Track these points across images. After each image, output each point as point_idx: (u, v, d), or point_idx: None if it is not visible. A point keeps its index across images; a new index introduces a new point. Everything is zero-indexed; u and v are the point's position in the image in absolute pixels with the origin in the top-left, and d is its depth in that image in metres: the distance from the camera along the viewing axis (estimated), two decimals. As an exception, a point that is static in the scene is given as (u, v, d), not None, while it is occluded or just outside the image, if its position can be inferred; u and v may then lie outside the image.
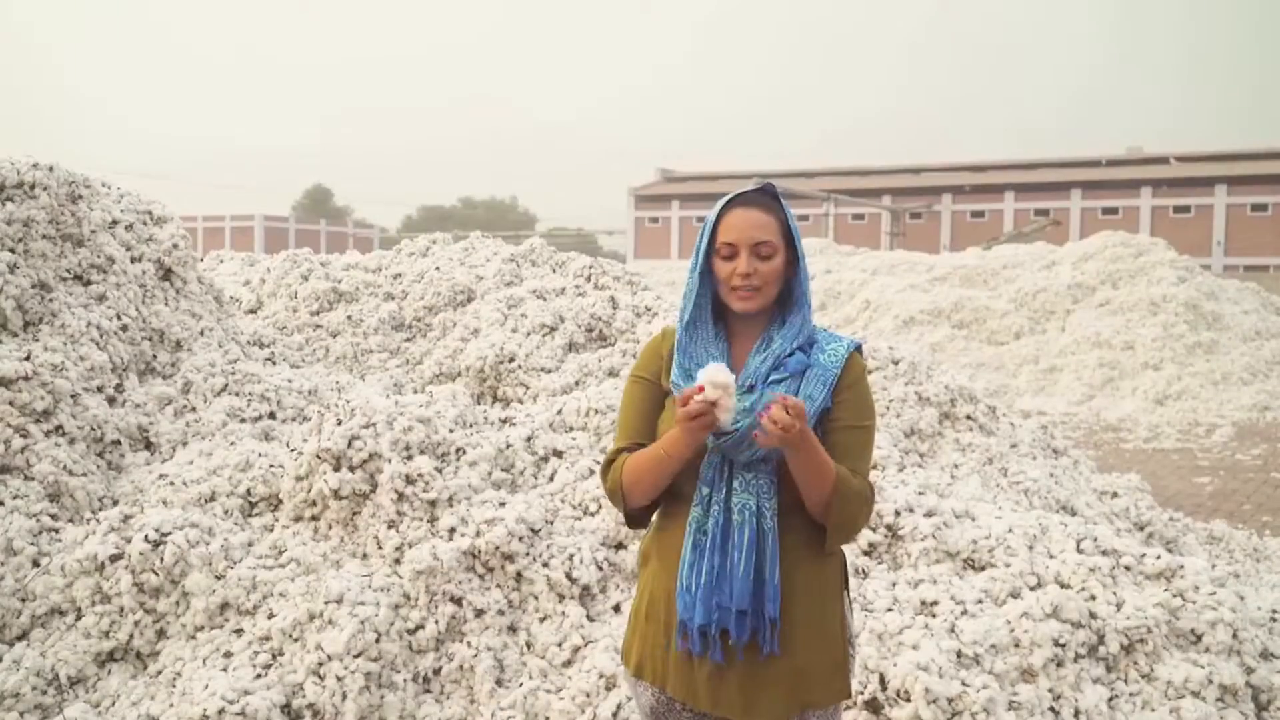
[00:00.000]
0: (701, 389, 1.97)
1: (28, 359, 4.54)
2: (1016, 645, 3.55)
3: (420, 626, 3.73)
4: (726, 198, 2.25)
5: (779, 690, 2.15)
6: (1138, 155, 67.43)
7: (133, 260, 5.60)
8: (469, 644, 3.70)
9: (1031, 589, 3.82)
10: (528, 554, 3.93)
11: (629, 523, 2.30)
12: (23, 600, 3.87)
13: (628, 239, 73.45)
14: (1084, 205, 61.35)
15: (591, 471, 4.40)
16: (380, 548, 4.00)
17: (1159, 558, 4.01)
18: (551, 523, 4.11)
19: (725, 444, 2.12)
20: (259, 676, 3.51)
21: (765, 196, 2.24)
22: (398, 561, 3.92)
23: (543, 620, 3.83)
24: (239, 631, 3.76)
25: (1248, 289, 21.07)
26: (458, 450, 4.34)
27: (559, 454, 4.58)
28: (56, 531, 4.14)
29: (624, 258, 65.45)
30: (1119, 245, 19.92)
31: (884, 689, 3.36)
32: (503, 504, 4.10)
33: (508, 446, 4.49)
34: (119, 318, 5.18)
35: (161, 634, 3.84)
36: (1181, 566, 3.97)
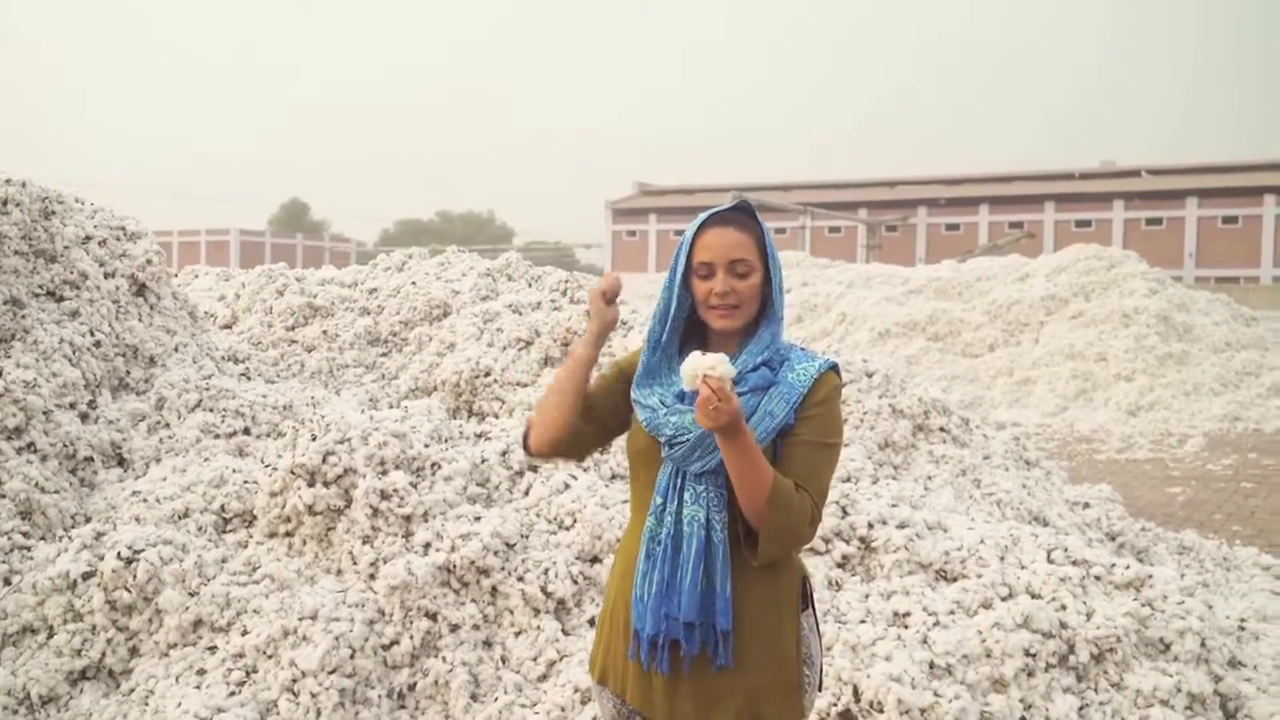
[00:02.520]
0: (705, 380, 1.95)
1: (0, 376, 4.52)
2: (988, 655, 3.57)
3: (395, 642, 3.72)
4: (702, 216, 2.22)
5: (730, 703, 2.14)
6: (1110, 169, 68.06)
7: (106, 276, 5.57)
8: (444, 659, 3.70)
9: (1003, 599, 3.85)
10: (503, 568, 3.93)
11: (526, 453, 2.37)
12: (-6, 619, 3.84)
13: (605, 252, 73.54)
14: (1057, 218, 61.87)
15: (567, 485, 4.41)
16: (355, 563, 3.99)
17: (1129, 568, 4.05)
18: (527, 537, 4.11)
19: (676, 453, 2.12)
20: (233, 694, 3.50)
21: (741, 214, 2.22)
22: (372, 577, 3.92)
23: (518, 634, 3.83)
24: (212, 649, 3.74)
25: (1218, 300, 21.28)
26: (433, 465, 4.34)
27: (534, 468, 4.58)
28: (28, 549, 4.11)
29: (601, 271, 65.48)
30: (1092, 258, 20.07)
31: (857, 700, 3.38)
32: (478, 518, 4.10)
33: (483, 461, 4.49)
34: (92, 334, 5.16)
35: (134, 652, 3.81)
36: (1151, 576, 4.01)
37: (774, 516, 2.03)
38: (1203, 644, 3.71)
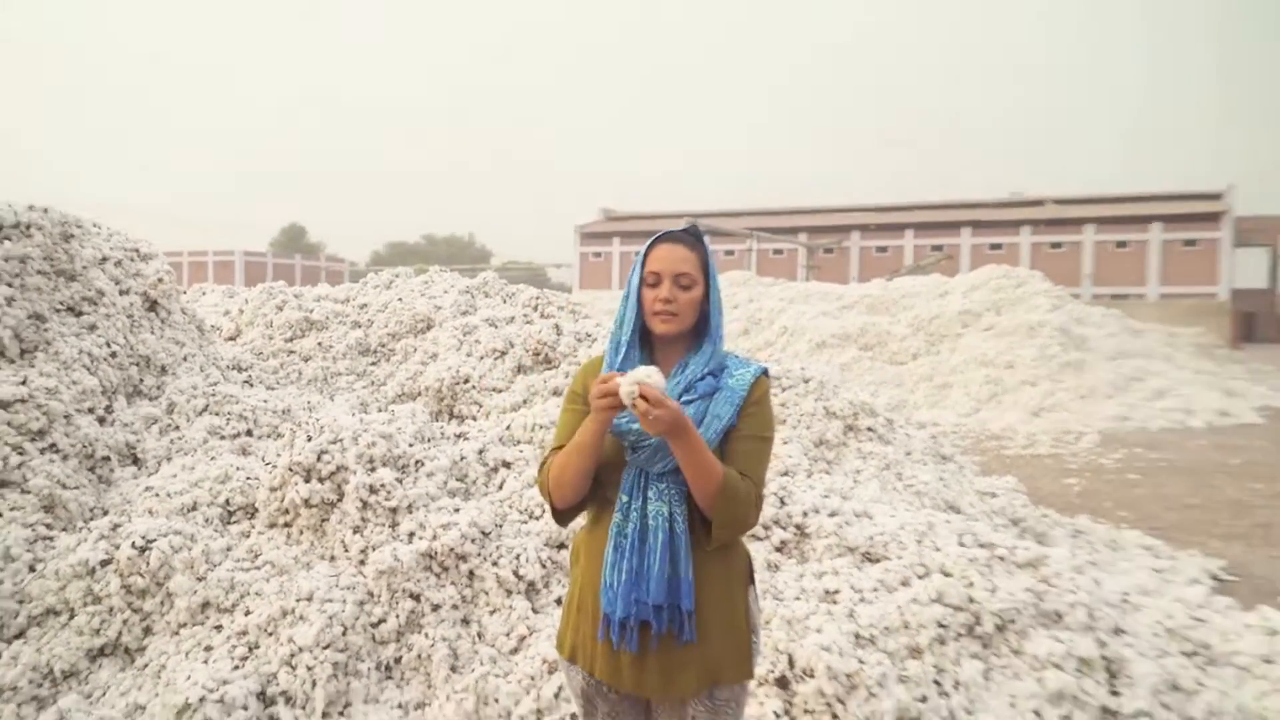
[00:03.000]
0: (615, 384, 2.00)
1: (24, 383, 4.48)
2: (906, 627, 3.62)
3: (383, 620, 3.73)
4: (657, 235, 2.29)
5: (692, 671, 2.18)
6: (1019, 198, 68.88)
7: (121, 293, 5.54)
8: (426, 635, 3.70)
9: (919, 578, 3.90)
10: (479, 554, 3.95)
11: (556, 519, 2.29)
12: (20, 602, 3.81)
13: (573, 272, 73.41)
14: (973, 242, 62.51)
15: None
16: (347, 550, 4.00)
17: (1027, 549, 4.11)
18: (501, 526, 4.13)
19: (640, 457, 2.16)
20: (236, 667, 3.49)
21: (689, 236, 2.28)
22: (362, 563, 3.92)
23: (492, 613, 3.84)
24: (218, 627, 3.73)
25: (1111, 315, 21.67)
26: (417, 462, 4.35)
27: (508, 465, 4.60)
28: (51, 539, 4.08)
29: (570, 289, 65.40)
30: (1002, 277, 20.34)
31: (792, 667, 3.42)
32: (457, 510, 4.12)
33: (461, 459, 4.50)
34: (108, 345, 5.12)
35: (148, 631, 3.79)
36: (1047, 556, 4.06)
37: (725, 505, 2.08)
38: (1090, 615, 3.76)
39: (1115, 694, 3.53)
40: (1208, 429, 14.64)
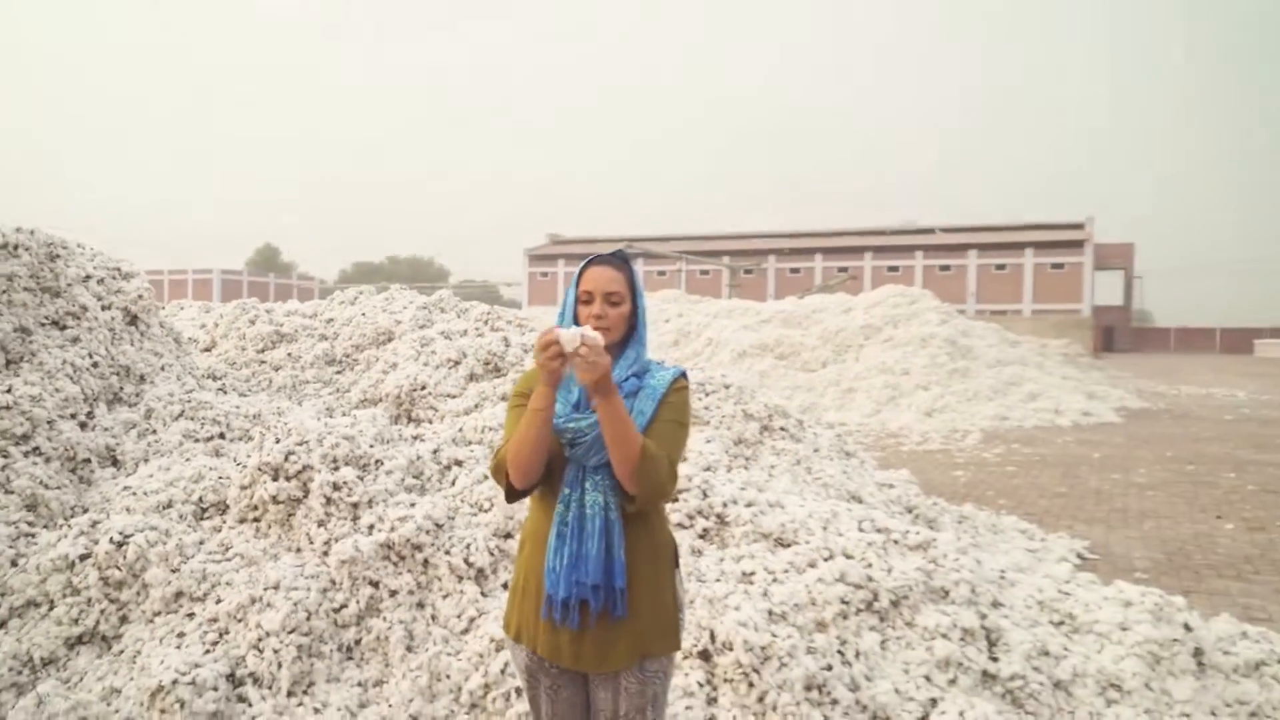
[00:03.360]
0: (555, 335, 1.99)
1: (9, 391, 4.31)
2: (813, 604, 3.64)
3: (344, 606, 3.64)
4: (589, 259, 2.30)
5: (624, 645, 2.17)
6: (912, 227, 70.29)
7: (103, 309, 5.35)
8: (384, 619, 3.63)
9: (825, 560, 3.92)
10: (433, 544, 3.88)
11: (509, 497, 2.23)
12: (1, 595, 3.65)
13: (523, 290, 73.09)
14: (874, 264, 63.61)
15: (486, 477, 4.37)
16: (311, 542, 3.90)
17: (918, 533, 4.16)
18: (453, 518, 4.07)
19: (578, 452, 2.14)
20: (208, 651, 3.38)
21: (618, 259, 2.29)
22: (326, 554, 3.83)
23: (445, 597, 3.78)
24: (191, 615, 3.61)
25: (991, 329, 22.16)
26: (376, 462, 4.26)
27: (460, 463, 4.54)
28: (33, 536, 3.91)
29: (520, 305, 65.10)
30: (898, 295, 20.70)
31: (713, 641, 3.42)
32: (413, 504, 4.04)
33: (418, 458, 4.43)
34: (90, 356, 4.94)
35: (124, 620, 3.66)
36: (935, 539, 4.12)
37: (644, 466, 2.05)
38: (973, 590, 3.82)
39: (994, 659, 3.59)
40: (1074, 427, 15.03)
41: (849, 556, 3.92)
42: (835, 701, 3.27)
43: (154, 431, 4.85)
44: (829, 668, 3.37)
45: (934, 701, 3.35)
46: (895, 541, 4.11)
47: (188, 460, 4.55)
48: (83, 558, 3.68)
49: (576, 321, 2.23)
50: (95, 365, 4.95)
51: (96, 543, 3.71)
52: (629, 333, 2.28)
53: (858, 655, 3.48)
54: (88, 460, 4.48)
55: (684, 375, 2.29)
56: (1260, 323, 67.39)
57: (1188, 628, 3.91)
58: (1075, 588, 4.45)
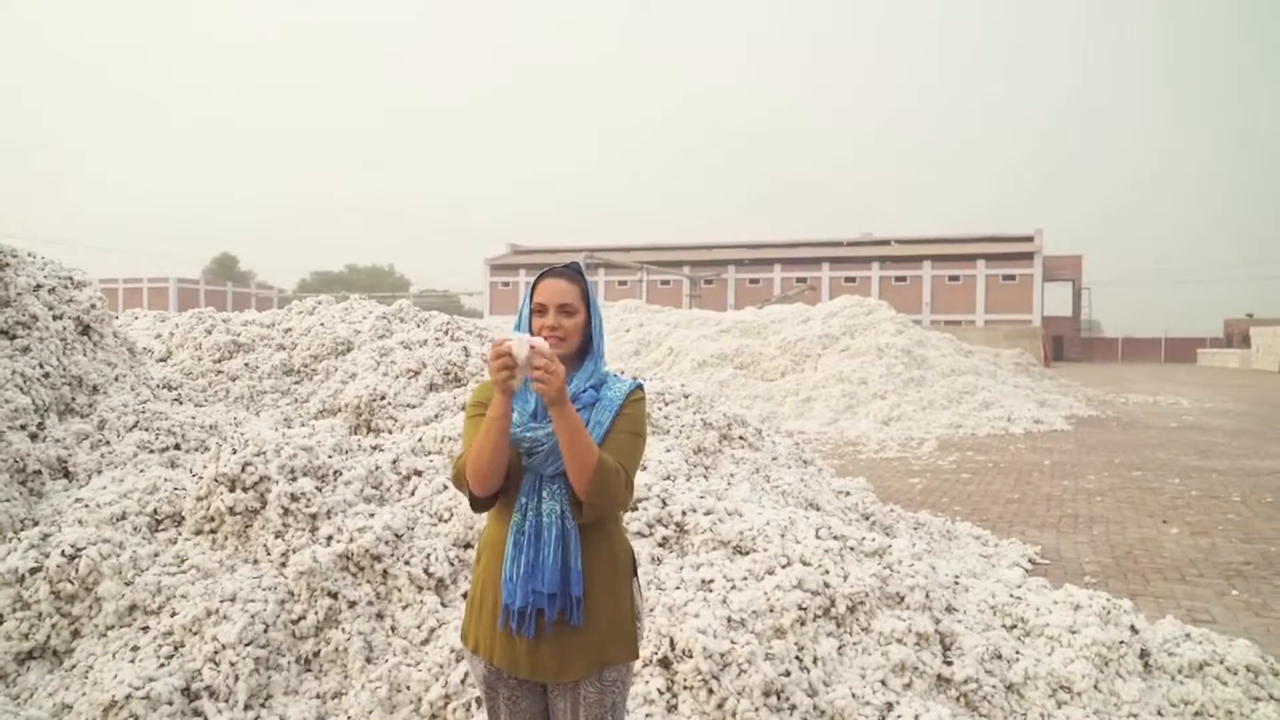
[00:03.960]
0: (507, 347, 1.97)
1: (-44, 403, 4.19)
2: (771, 610, 3.65)
3: (302, 617, 3.60)
4: (542, 271, 2.30)
5: (582, 655, 2.16)
6: (869, 238, 71.14)
7: (55, 318, 5.24)
8: (343, 630, 3.58)
9: (783, 567, 3.94)
10: (392, 554, 3.84)
11: (474, 506, 2.22)
12: (-52, 610, 3.55)
13: (484, 299, 72.73)
14: (831, 275, 64.25)
15: (446, 486, 4.35)
16: (269, 554, 3.84)
17: (874, 540, 4.20)
18: (412, 529, 4.03)
19: (534, 461, 2.14)
20: (162, 665, 3.32)
21: (571, 271, 2.29)
22: (284, 565, 3.77)
23: (404, 608, 3.75)
24: (145, 629, 3.53)
25: (946, 338, 22.49)
26: (335, 472, 4.21)
27: (419, 473, 4.50)
28: (-20, 550, 3.81)
29: (481, 314, 64.73)
30: (855, 305, 20.93)
31: (673, 649, 3.42)
32: (372, 515, 4.00)
33: (377, 468, 4.38)
34: (41, 366, 4.83)
35: (76, 634, 3.57)
36: (890, 546, 4.16)
37: (599, 479, 2.06)
38: (927, 595, 3.86)
39: (948, 663, 3.63)
40: (1025, 434, 15.29)
41: (806, 564, 3.94)
42: (794, 707, 3.30)
43: (107, 443, 4.75)
44: (787, 674, 3.39)
45: (890, 706, 3.39)
46: (852, 548, 4.14)
47: (142, 471, 4.46)
48: (33, 571, 3.59)
49: (530, 331, 2.24)
50: (46, 376, 4.84)
51: (48, 556, 3.62)
52: (585, 344, 2.28)
53: (815, 661, 3.50)
54: (38, 472, 4.37)
55: (640, 387, 2.30)
56: (1202, 332, 69.23)
57: (1134, 630, 4.00)
58: (1027, 592, 4.53)
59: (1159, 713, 3.67)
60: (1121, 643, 3.88)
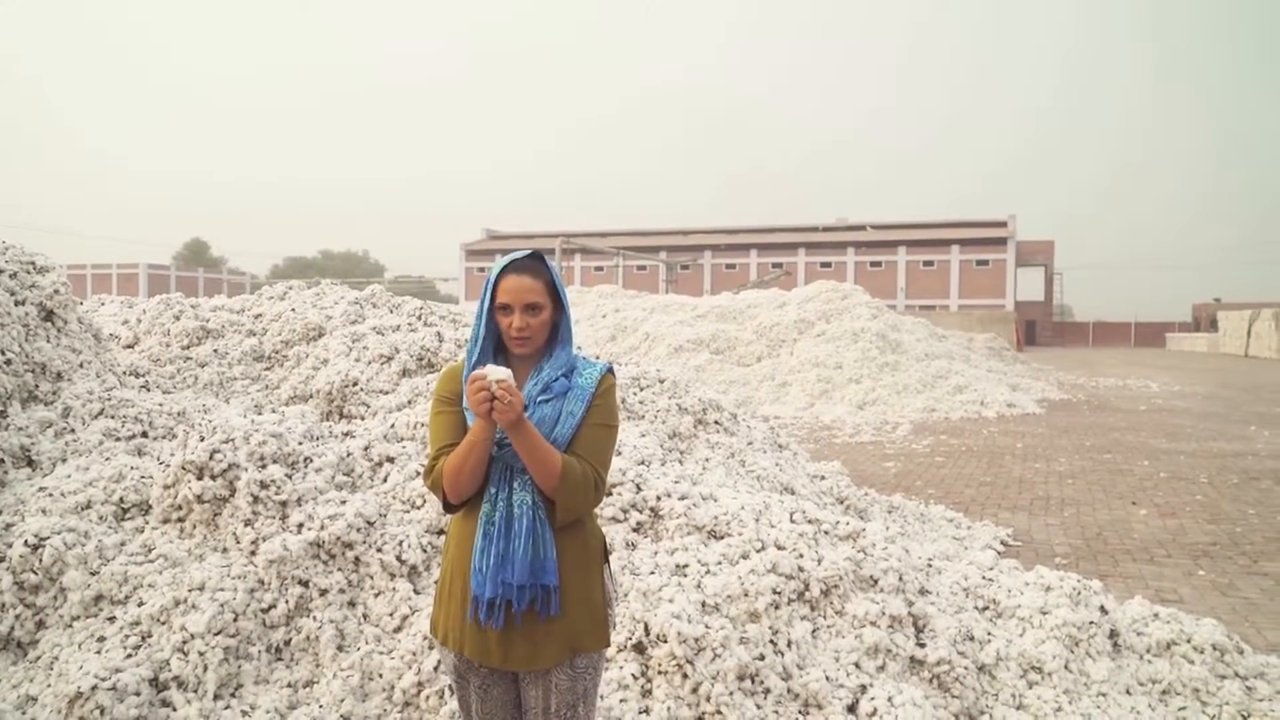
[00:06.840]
0: (487, 381, 1.98)
1: (-86, 390, 4.10)
2: (745, 595, 3.64)
3: (273, 606, 3.55)
4: (502, 262, 2.20)
5: (554, 643, 2.14)
6: (844, 224, 71.35)
7: (16, 304, 5.12)
8: (314, 618, 3.54)
9: (757, 551, 3.92)
10: (364, 542, 3.80)
11: (448, 509, 2.21)
12: (-93, 602, 3.47)
13: (460, 285, 72.31)
14: (807, 260, 64.44)
15: (418, 473, 4.30)
16: (238, 542, 3.79)
17: (848, 524, 4.20)
18: (385, 515, 3.99)
19: (506, 453, 2.11)
20: (129, 655, 3.27)
21: (535, 261, 2.21)
22: (253, 553, 3.72)
23: (377, 595, 3.71)
24: (111, 619, 3.48)
25: (920, 323, 22.61)
26: (305, 459, 4.16)
27: (391, 460, 4.45)
28: (-59, 540, 3.73)
29: (457, 299, 64.40)
30: (831, 291, 20.99)
31: (648, 634, 3.41)
32: (344, 502, 3.95)
33: (348, 455, 4.33)
34: (3, 353, 4.73)
35: (41, 625, 3.51)
36: (864, 529, 4.16)
37: (565, 488, 2.06)
38: (900, 578, 3.87)
39: (921, 645, 3.65)
40: (998, 418, 15.43)
41: (781, 548, 3.93)
42: (768, 691, 3.30)
43: (72, 430, 4.67)
44: (761, 657, 3.39)
45: (864, 688, 3.40)
46: (826, 532, 4.13)
47: (108, 460, 4.39)
48: (-5, 562, 3.52)
49: (494, 325, 2.19)
50: (8, 363, 4.74)
51: (10, 546, 3.56)
52: (553, 332, 2.24)
53: (789, 644, 3.49)
54: (1, 461, 4.29)
55: (611, 371, 2.26)
56: (1170, 317, 70.14)
57: (1104, 610, 4.04)
58: (999, 574, 4.55)
59: (1127, 691, 3.71)
60: (1091, 623, 3.92)
